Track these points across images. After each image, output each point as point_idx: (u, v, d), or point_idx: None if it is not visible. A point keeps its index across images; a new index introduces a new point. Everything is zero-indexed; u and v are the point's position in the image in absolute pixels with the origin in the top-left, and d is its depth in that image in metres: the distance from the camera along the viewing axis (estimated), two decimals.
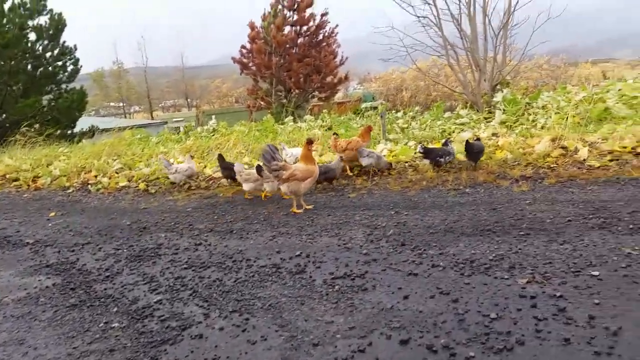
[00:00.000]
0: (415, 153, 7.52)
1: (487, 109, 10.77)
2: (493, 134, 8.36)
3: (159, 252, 4.71)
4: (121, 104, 63.50)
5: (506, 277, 3.29)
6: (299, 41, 24.77)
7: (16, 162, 11.13)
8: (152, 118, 49.20)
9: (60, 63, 19.41)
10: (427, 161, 6.85)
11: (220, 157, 7.44)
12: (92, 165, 9.98)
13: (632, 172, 5.64)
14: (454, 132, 9.30)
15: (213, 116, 15.47)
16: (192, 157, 8.03)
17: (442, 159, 6.70)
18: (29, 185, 9.57)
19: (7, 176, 10.42)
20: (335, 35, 25.61)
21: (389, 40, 11.99)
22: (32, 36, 18.42)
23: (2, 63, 17.11)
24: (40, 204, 7.97)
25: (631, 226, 3.98)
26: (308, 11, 24.63)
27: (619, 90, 9.57)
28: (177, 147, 10.60)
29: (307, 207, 5.72)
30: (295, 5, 24.17)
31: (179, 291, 3.70)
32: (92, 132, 19.90)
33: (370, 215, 5.19)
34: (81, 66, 20.10)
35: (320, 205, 5.82)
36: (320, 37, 25.33)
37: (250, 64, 25.00)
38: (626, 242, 3.65)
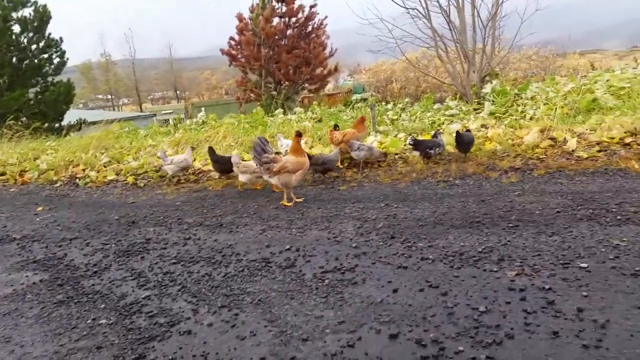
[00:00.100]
0: (405, 145, 7.51)
1: (476, 100, 10.78)
2: (482, 125, 8.37)
3: (148, 247, 4.67)
4: (109, 97, 62.93)
5: (495, 269, 3.30)
6: (287, 33, 24.62)
7: (3, 156, 10.98)
8: (141, 110, 48.82)
9: (46, 55, 19.17)
10: (417, 153, 6.85)
11: (211, 150, 7.34)
12: (80, 159, 9.87)
13: (620, 162, 5.67)
14: (443, 123, 9.30)
15: (202, 108, 15.33)
16: (193, 148, 7.91)
17: (431, 151, 6.70)
18: (15, 180, 9.44)
19: None
20: (325, 27, 25.52)
21: (378, 31, 11.93)
22: (17, 28, 18.16)
23: None
24: (27, 198, 7.88)
25: (619, 217, 4.01)
26: (297, 2, 24.50)
27: (607, 81, 9.64)
28: (165, 140, 10.51)
29: (297, 200, 5.70)
30: None
31: (168, 287, 3.67)
32: (79, 125, 19.69)
33: (361, 207, 5.18)
34: (67, 59, 19.87)
35: (311, 198, 5.80)
36: (310, 28, 25.21)
37: (239, 56, 24.83)
38: (614, 234, 3.68)
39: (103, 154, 10.07)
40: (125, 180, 8.18)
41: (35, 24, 18.48)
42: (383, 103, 13.79)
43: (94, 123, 18.54)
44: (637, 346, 2.31)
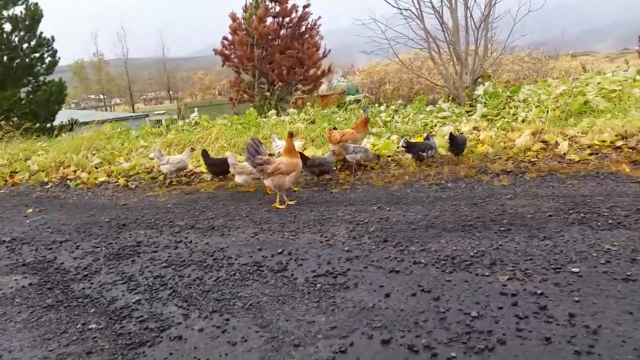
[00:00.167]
0: (397, 147, 7.51)
1: (468, 102, 10.79)
2: (474, 128, 8.39)
3: (138, 250, 4.63)
4: (102, 97, 62.60)
5: (487, 274, 3.30)
6: (281, 33, 24.56)
7: None
8: (134, 111, 48.58)
9: (37, 55, 18.98)
10: (409, 155, 6.85)
11: (205, 154, 7.28)
12: (71, 160, 9.78)
13: (611, 166, 5.70)
14: (435, 125, 9.31)
15: (195, 109, 15.26)
16: (192, 149, 7.86)
17: (424, 153, 6.70)
18: (6, 181, 9.35)
19: None
20: (318, 27, 25.47)
21: (372, 32, 11.92)
22: (8, 27, 17.99)
23: None
24: (17, 200, 7.80)
25: (610, 221, 4.02)
26: (290, 2, 24.44)
27: (598, 83, 9.68)
28: (157, 141, 10.44)
29: (290, 202, 5.68)
30: None
31: (158, 291, 3.65)
32: (71, 125, 19.54)
33: (353, 210, 5.17)
34: (59, 58, 19.69)
35: (303, 201, 5.78)
36: (303, 29, 25.16)
37: (232, 56, 24.74)
38: (605, 238, 3.69)
39: (94, 155, 10.00)
40: (116, 182, 8.12)
41: (26, 23, 18.32)
42: (376, 104, 13.79)
43: (85, 123, 18.42)
44: (629, 352, 2.32)
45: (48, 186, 8.57)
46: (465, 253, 3.70)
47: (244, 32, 23.69)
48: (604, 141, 6.54)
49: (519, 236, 3.93)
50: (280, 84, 23.94)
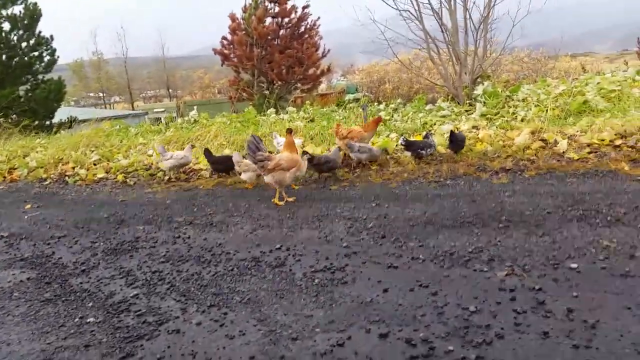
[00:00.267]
0: (397, 145, 7.51)
1: (468, 101, 10.79)
2: (473, 127, 8.39)
3: (137, 246, 4.63)
4: (101, 95, 62.52)
5: (485, 269, 3.30)
6: (280, 33, 24.53)
7: None
8: (133, 108, 48.54)
9: (36, 53, 18.95)
10: (408, 153, 6.85)
11: (207, 152, 7.26)
12: (70, 156, 9.76)
13: (610, 164, 5.71)
14: (435, 124, 9.30)
15: (195, 107, 15.23)
16: (192, 146, 7.86)
17: (423, 151, 6.70)
18: (4, 177, 9.33)
19: None
20: (317, 28, 25.45)
21: (371, 33, 11.93)
22: (7, 26, 17.97)
23: None
24: (16, 196, 7.79)
25: (609, 218, 4.02)
26: (289, 3, 24.42)
27: (598, 83, 9.69)
28: (156, 139, 10.43)
29: (288, 199, 5.68)
30: None
31: (156, 285, 3.64)
32: (70, 123, 19.52)
33: (352, 207, 5.16)
34: (58, 57, 19.65)
35: (302, 198, 5.78)
36: (302, 29, 25.14)
37: (232, 55, 24.71)
38: (604, 235, 3.69)
39: (93, 152, 9.98)
40: (115, 179, 8.11)
41: (25, 22, 18.29)
42: (375, 103, 13.79)
43: (84, 121, 18.41)
44: (627, 346, 2.32)
45: (47, 182, 8.56)
46: (464, 249, 3.70)
47: (243, 32, 23.67)
48: (603, 140, 6.54)
49: (518, 233, 3.93)
50: (279, 83, 23.92)
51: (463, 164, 6.45)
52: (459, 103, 11.02)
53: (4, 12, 17.72)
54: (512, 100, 9.79)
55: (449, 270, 3.35)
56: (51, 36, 19.37)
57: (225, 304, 3.21)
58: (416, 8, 11.63)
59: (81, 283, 3.84)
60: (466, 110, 10.10)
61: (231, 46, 24.67)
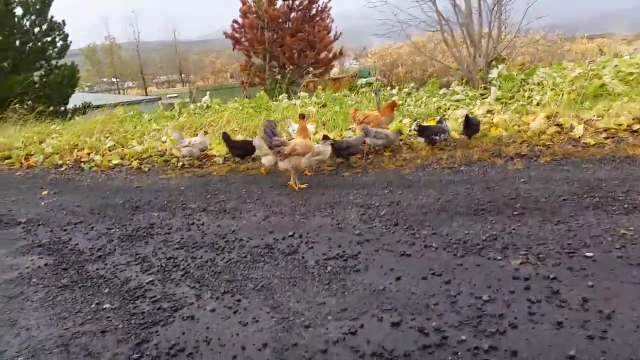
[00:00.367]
0: (410, 131, 7.45)
1: (482, 85, 10.67)
2: (488, 111, 8.29)
3: (152, 232, 4.68)
4: (114, 80, 62.82)
5: (499, 258, 3.28)
6: (291, 16, 24.34)
7: (8, 140, 10.99)
8: (146, 94, 48.72)
9: (49, 39, 19.05)
10: (422, 139, 6.79)
11: (226, 136, 7.28)
12: (85, 142, 9.86)
13: (628, 150, 5.61)
14: (449, 109, 9.21)
15: (207, 92, 15.23)
16: (205, 132, 7.92)
17: (437, 137, 6.64)
18: (21, 163, 9.46)
19: None
20: (329, 10, 25.20)
21: (384, 15, 11.80)
22: (19, 11, 18.04)
23: None
24: (32, 182, 7.90)
25: (626, 206, 3.97)
26: None
27: (615, 66, 9.50)
28: (170, 124, 10.48)
29: (301, 186, 5.69)
30: None
31: (171, 272, 3.68)
32: (84, 108, 19.67)
33: (364, 194, 5.15)
34: (71, 42, 19.75)
35: (314, 184, 5.78)
36: (314, 11, 24.91)
37: (243, 39, 24.62)
38: (621, 223, 3.64)
39: (107, 138, 10.06)
40: (129, 165, 8.17)
41: (37, 7, 18.36)
42: (388, 88, 13.68)
43: (98, 106, 18.53)
44: None
45: (62, 168, 8.65)
46: (478, 237, 3.68)
47: (254, 15, 23.52)
48: (620, 125, 6.43)
49: (533, 220, 3.90)
50: (291, 67, 23.81)
51: (477, 149, 6.39)
52: (473, 87, 10.90)
53: None
54: (528, 83, 9.65)
55: (462, 259, 3.34)
56: (63, 21, 19.44)
57: (238, 291, 3.23)
58: None
59: (97, 269, 3.90)
60: (481, 94, 9.99)
61: (242, 30, 24.55)
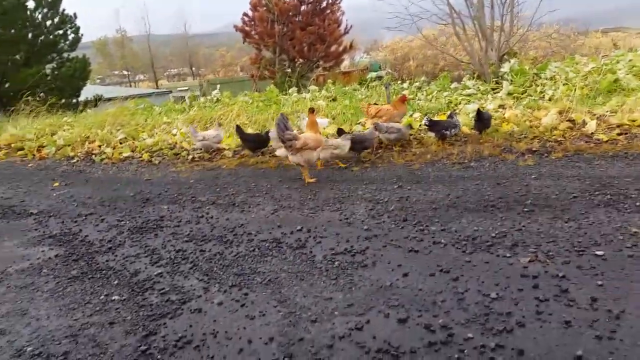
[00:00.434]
0: (420, 125, 7.41)
1: (494, 79, 10.56)
2: (500, 106, 8.21)
3: (161, 225, 4.71)
4: (125, 73, 63.16)
5: (508, 255, 3.26)
6: (302, 9, 24.21)
7: (20, 132, 11.10)
8: (157, 87, 48.93)
9: (61, 32, 19.18)
10: (432, 134, 6.75)
11: (239, 129, 7.30)
12: (96, 135, 9.94)
13: None
14: (460, 103, 9.14)
15: (217, 85, 15.24)
16: (220, 125, 7.99)
17: (447, 132, 6.59)
18: (34, 155, 9.56)
19: (12, 145, 10.42)
20: (339, 3, 25.05)
21: (394, 8, 11.70)
22: (31, 4, 18.17)
23: (2, 32, 16.90)
24: (44, 173, 7.98)
25: (638, 204, 3.91)
26: None
27: (630, 61, 9.35)
28: (180, 118, 10.51)
29: (310, 180, 5.68)
30: None
31: (180, 264, 3.71)
32: (95, 101, 19.80)
33: (373, 189, 5.14)
34: (82, 34, 19.89)
35: (323, 179, 5.77)
36: (324, 4, 24.76)
37: (253, 32, 24.54)
38: (632, 221, 3.59)
39: (119, 130, 10.12)
40: (140, 157, 8.23)
41: (49, 0, 18.47)
42: (399, 82, 13.60)
43: (110, 99, 18.65)
44: None
45: (74, 160, 8.73)
46: (487, 234, 3.66)
47: (264, 8, 23.43)
48: (634, 120, 6.34)
49: (543, 217, 3.86)
50: (301, 60, 23.72)
51: (488, 145, 6.34)
52: (485, 81, 10.80)
53: None
54: (540, 78, 9.54)
55: (470, 256, 3.32)
56: (75, 14, 19.56)
57: (246, 285, 3.25)
58: None
59: (107, 261, 3.93)
60: (492, 89, 9.90)
61: (252, 23, 24.48)
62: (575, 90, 8.04)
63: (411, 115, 8.20)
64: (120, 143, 9.29)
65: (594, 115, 6.81)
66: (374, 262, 3.39)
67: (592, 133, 6.24)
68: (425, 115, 7.63)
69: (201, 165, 7.24)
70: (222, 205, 5.14)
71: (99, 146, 9.29)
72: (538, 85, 9.20)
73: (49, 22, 18.77)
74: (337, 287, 3.08)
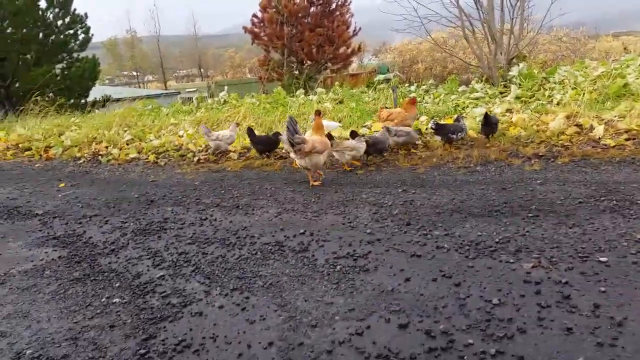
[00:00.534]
0: (426, 129, 7.38)
1: (502, 83, 10.52)
2: (507, 110, 8.16)
3: (165, 227, 4.71)
4: (135, 73, 63.57)
5: (511, 261, 3.23)
6: (311, 10, 24.22)
7: (29, 132, 11.19)
8: (166, 88, 49.18)
9: (71, 31, 19.28)
10: (438, 137, 6.72)
11: (251, 131, 7.29)
12: (103, 136, 9.99)
13: None
14: (467, 107, 9.10)
15: (225, 87, 15.29)
16: (237, 124, 8.04)
17: (454, 136, 6.56)
18: (41, 155, 9.62)
19: (20, 146, 10.50)
20: (349, 4, 25.04)
21: (403, 10, 11.69)
22: (43, 4, 18.30)
23: (14, 31, 17.05)
24: (51, 174, 8.03)
25: None
26: None
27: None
28: (187, 119, 10.55)
29: (314, 183, 5.67)
30: None
31: (182, 267, 3.70)
32: (104, 101, 19.91)
33: (377, 192, 5.12)
34: (92, 35, 19.96)
35: (327, 182, 5.76)
36: (333, 6, 24.76)
37: (262, 34, 24.60)
38: (637, 227, 3.55)
39: (126, 131, 10.17)
40: (146, 159, 8.25)
41: (60, 0, 18.61)
42: (406, 84, 13.57)
43: (118, 100, 18.75)
44: None
45: (80, 161, 8.78)
46: (491, 239, 3.63)
47: (274, 9, 23.47)
48: None
49: (547, 223, 3.83)
50: (309, 62, 23.73)
51: (495, 149, 6.30)
52: (493, 84, 10.75)
53: None
54: (549, 82, 9.48)
55: (473, 261, 3.29)
56: (85, 14, 19.66)
57: (247, 288, 3.24)
58: None
59: (110, 263, 3.94)
60: (500, 92, 9.85)
61: (262, 24, 24.53)
62: (583, 94, 7.98)
63: (418, 119, 8.17)
64: (127, 144, 9.33)
65: (602, 120, 6.75)
66: (376, 266, 3.37)
67: (599, 138, 6.19)
68: (432, 118, 7.60)
69: (206, 167, 7.25)
70: (226, 208, 5.14)
71: (106, 147, 9.34)
72: (547, 90, 9.14)
73: (60, 22, 18.89)
74: (339, 291, 3.07)
